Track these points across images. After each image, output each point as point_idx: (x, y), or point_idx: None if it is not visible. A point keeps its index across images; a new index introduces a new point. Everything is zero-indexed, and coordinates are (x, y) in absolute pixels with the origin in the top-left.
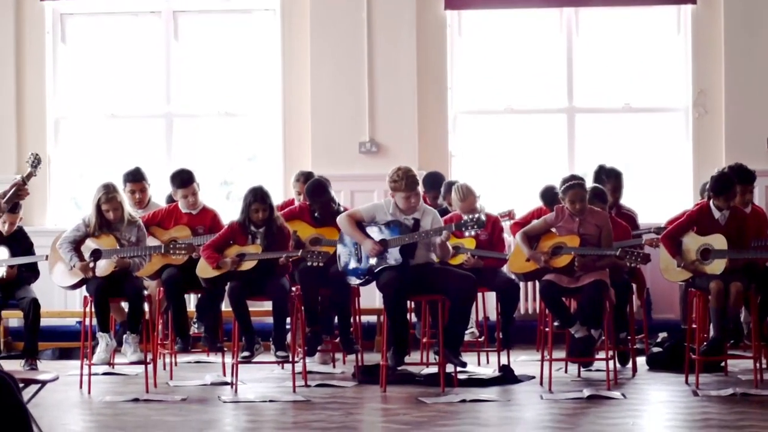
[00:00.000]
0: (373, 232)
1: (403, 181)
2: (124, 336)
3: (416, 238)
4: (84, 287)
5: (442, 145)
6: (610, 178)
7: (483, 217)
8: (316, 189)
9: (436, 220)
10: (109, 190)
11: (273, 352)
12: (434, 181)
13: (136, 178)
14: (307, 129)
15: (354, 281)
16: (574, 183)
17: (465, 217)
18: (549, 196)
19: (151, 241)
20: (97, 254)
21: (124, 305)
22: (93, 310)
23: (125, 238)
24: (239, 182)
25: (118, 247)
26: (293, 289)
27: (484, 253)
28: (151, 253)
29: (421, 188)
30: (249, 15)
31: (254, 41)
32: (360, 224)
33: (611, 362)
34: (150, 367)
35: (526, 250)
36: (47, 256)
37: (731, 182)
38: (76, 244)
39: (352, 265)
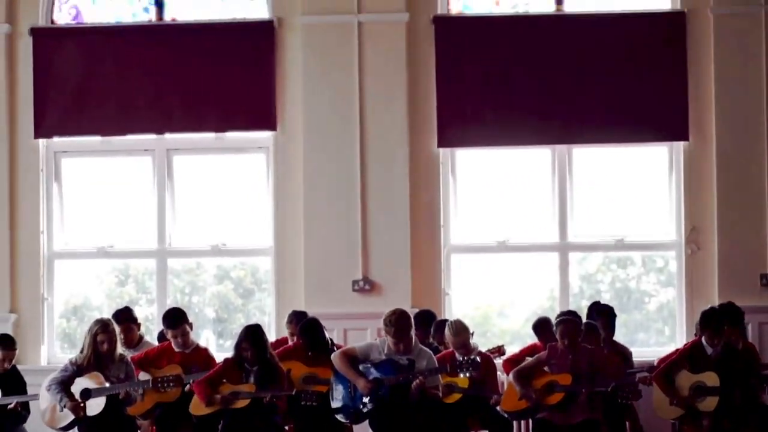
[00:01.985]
0: (367, 370)
1: (393, 327)
2: None
3: (410, 378)
4: (76, 428)
5: (435, 283)
6: (601, 314)
7: (478, 359)
8: (309, 329)
9: (431, 361)
10: (105, 323)
11: None
12: (425, 319)
13: (127, 318)
14: (300, 267)
15: (347, 419)
16: (567, 318)
17: (460, 358)
18: (542, 328)
19: (143, 379)
20: (87, 393)
21: None
22: None
23: (114, 375)
24: (233, 319)
25: (107, 385)
26: (286, 428)
27: (477, 393)
28: (144, 388)
29: (413, 333)
30: (242, 153)
31: (247, 179)
32: (354, 362)
33: None
34: None
35: (518, 388)
36: (39, 396)
37: (719, 319)
38: (65, 385)
39: (347, 402)
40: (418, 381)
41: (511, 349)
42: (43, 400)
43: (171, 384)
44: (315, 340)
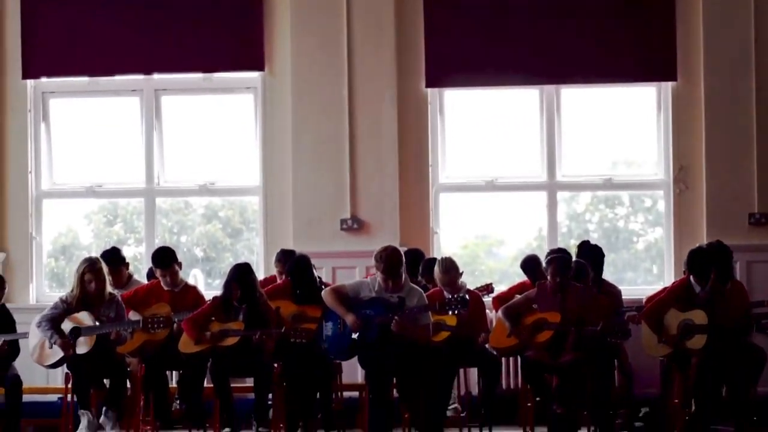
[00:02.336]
0: (358, 307)
1: (384, 263)
2: (103, 411)
3: (399, 316)
4: (65, 365)
5: (424, 222)
6: (590, 254)
7: (467, 297)
8: (298, 267)
9: (421, 299)
10: (92, 262)
11: (254, 428)
12: (413, 258)
13: (114, 259)
14: (288, 206)
15: (336, 356)
16: (557, 256)
17: (448, 296)
18: (530, 266)
19: (133, 318)
20: (76, 332)
21: (106, 382)
22: (73, 388)
23: (104, 314)
24: (221, 258)
25: (97, 324)
26: (275, 365)
27: (465, 333)
28: (133, 328)
29: (403, 270)
30: (230, 94)
31: (235, 119)
32: (345, 299)
33: None
34: None
35: (508, 326)
36: (29, 334)
37: (706, 262)
38: (55, 322)
39: (336, 339)
40: (395, 321)
41: (500, 288)
42: (32, 337)
43: (161, 324)
44: (303, 278)
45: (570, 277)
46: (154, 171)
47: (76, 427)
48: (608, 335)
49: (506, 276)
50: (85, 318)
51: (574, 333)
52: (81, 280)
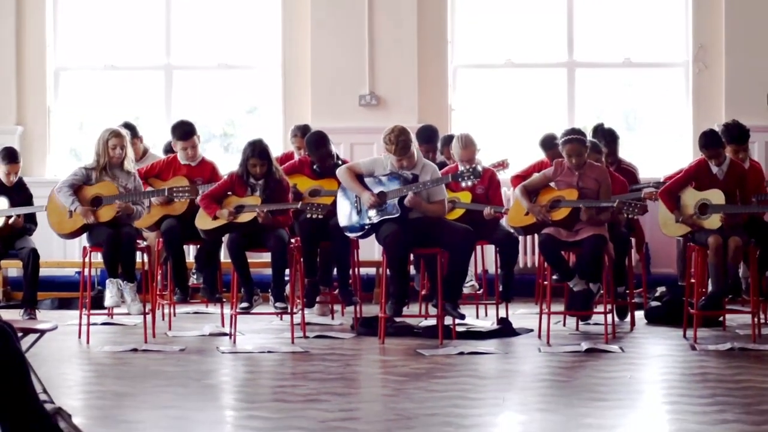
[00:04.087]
0: (373, 184)
1: (394, 144)
2: (122, 286)
3: (415, 190)
4: (84, 236)
5: (442, 99)
6: (606, 138)
7: (479, 168)
8: (316, 141)
9: (435, 174)
10: (116, 130)
11: (272, 303)
12: (428, 134)
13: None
14: (307, 82)
15: (353, 234)
16: (573, 137)
17: (461, 168)
18: (549, 144)
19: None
20: (98, 201)
21: None
22: (103, 255)
23: (123, 185)
24: (239, 134)
25: (118, 193)
26: (292, 240)
27: (479, 207)
28: (152, 200)
29: (414, 148)
30: None
31: None
32: (360, 177)
33: (609, 316)
34: (149, 317)
35: (525, 204)
36: (46, 207)
37: (717, 139)
38: (75, 189)
39: (353, 217)
40: (409, 196)
41: (516, 166)
42: (50, 207)
43: (186, 194)
44: (322, 152)
45: (586, 156)
46: (172, 46)
47: (94, 301)
48: (625, 210)
49: (523, 154)
50: (106, 188)
51: (592, 209)
52: (105, 147)
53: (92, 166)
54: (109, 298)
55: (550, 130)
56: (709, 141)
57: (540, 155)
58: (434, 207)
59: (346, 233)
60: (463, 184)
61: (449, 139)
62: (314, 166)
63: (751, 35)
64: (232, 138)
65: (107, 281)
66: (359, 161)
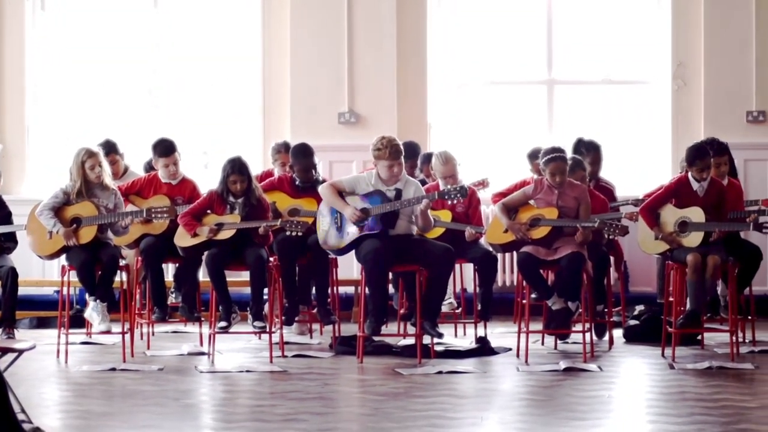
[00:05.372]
0: (355, 201)
1: (387, 149)
2: (92, 304)
3: (398, 207)
4: (63, 257)
5: (421, 117)
6: (589, 151)
7: (465, 186)
8: (303, 151)
9: (419, 190)
10: (90, 149)
11: (250, 322)
12: (409, 150)
13: (108, 150)
14: (286, 99)
15: (332, 251)
16: (555, 156)
17: (447, 186)
18: (536, 157)
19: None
20: (78, 222)
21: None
22: (78, 277)
23: (103, 205)
24: (218, 152)
25: (98, 214)
26: (271, 259)
27: (460, 227)
28: (132, 219)
29: (403, 158)
30: None
31: (234, 9)
32: (341, 194)
33: (588, 335)
34: (127, 336)
35: (504, 221)
36: (26, 227)
37: (705, 151)
38: (56, 211)
39: (332, 234)
40: (425, 204)
41: (495, 183)
42: (30, 227)
43: (164, 215)
44: (308, 162)
45: (566, 176)
46: (157, 65)
47: (73, 320)
48: (606, 231)
49: (503, 171)
50: (85, 208)
51: (572, 228)
52: (81, 168)
53: (70, 187)
54: (98, 323)
55: (530, 146)
56: (698, 153)
57: (521, 173)
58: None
59: (324, 249)
60: (449, 202)
61: (428, 157)
62: (296, 181)
63: (730, 53)
64: (211, 155)
65: (92, 305)
66: (342, 178)
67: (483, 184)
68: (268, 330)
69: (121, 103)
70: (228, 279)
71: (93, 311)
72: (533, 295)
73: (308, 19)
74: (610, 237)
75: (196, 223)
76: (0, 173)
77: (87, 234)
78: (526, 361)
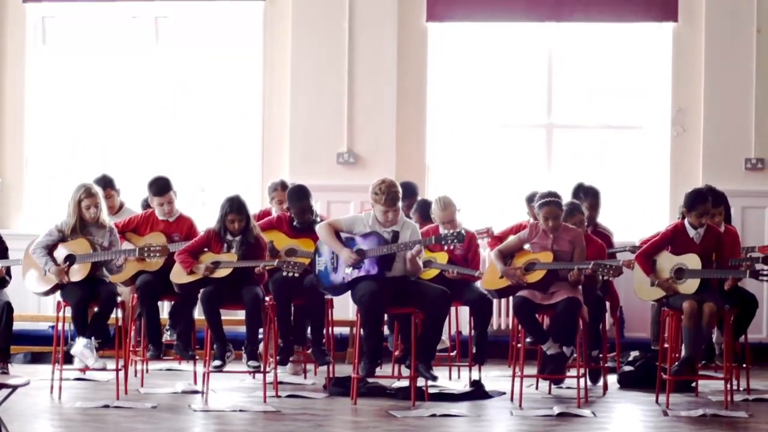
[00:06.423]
0: (352, 242)
1: (384, 195)
2: (85, 341)
3: (394, 250)
4: (58, 293)
5: (420, 158)
6: (587, 196)
7: (463, 232)
8: (297, 192)
9: (416, 233)
10: (88, 187)
11: (245, 361)
12: (407, 190)
13: (104, 185)
14: (285, 138)
15: (328, 291)
16: (549, 200)
17: (445, 231)
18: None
19: (126, 247)
20: (71, 259)
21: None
22: (72, 315)
23: (98, 242)
24: (216, 190)
25: (91, 252)
26: (267, 298)
27: (458, 269)
28: (126, 257)
29: (401, 204)
30: (232, 23)
31: (235, 49)
32: (338, 234)
33: (582, 380)
34: (121, 373)
35: (499, 267)
36: (22, 262)
37: (706, 197)
38: (50, 249)
39: (328, 275)
40: (416, 249)
41: (494, 225)
42: (26, 264)
43: (157, 254)
44: (303, 204)
45: (561, 220)
46: (155, 102)
47: (68, 356)
48: (600, 272)
49: (502, 215)
50: (79, 246)
51: (566, 272)
52: (78, 206)
53: (66, 223)
54: (93, 361)
55: (528, 190)
56: (698, 198)
57: (518, 216)
58: (410, 266)
59: (321, 289)
60: (446, 247)
61: (423, 204)
62: (293, 222)
63: (730, 100)
64: (208, 193)
65: (83, 341)
66: (340, 218)
67: (488, 233)
68: (262, 369)
69: (120, 138)
70: (223, 317)
71: (86, 348)
72: (528, 339)
73: (309, 59)
74: (605, 278)
75: (192, 261)
76: None
77: (80, 271)
78: (520, 406)
